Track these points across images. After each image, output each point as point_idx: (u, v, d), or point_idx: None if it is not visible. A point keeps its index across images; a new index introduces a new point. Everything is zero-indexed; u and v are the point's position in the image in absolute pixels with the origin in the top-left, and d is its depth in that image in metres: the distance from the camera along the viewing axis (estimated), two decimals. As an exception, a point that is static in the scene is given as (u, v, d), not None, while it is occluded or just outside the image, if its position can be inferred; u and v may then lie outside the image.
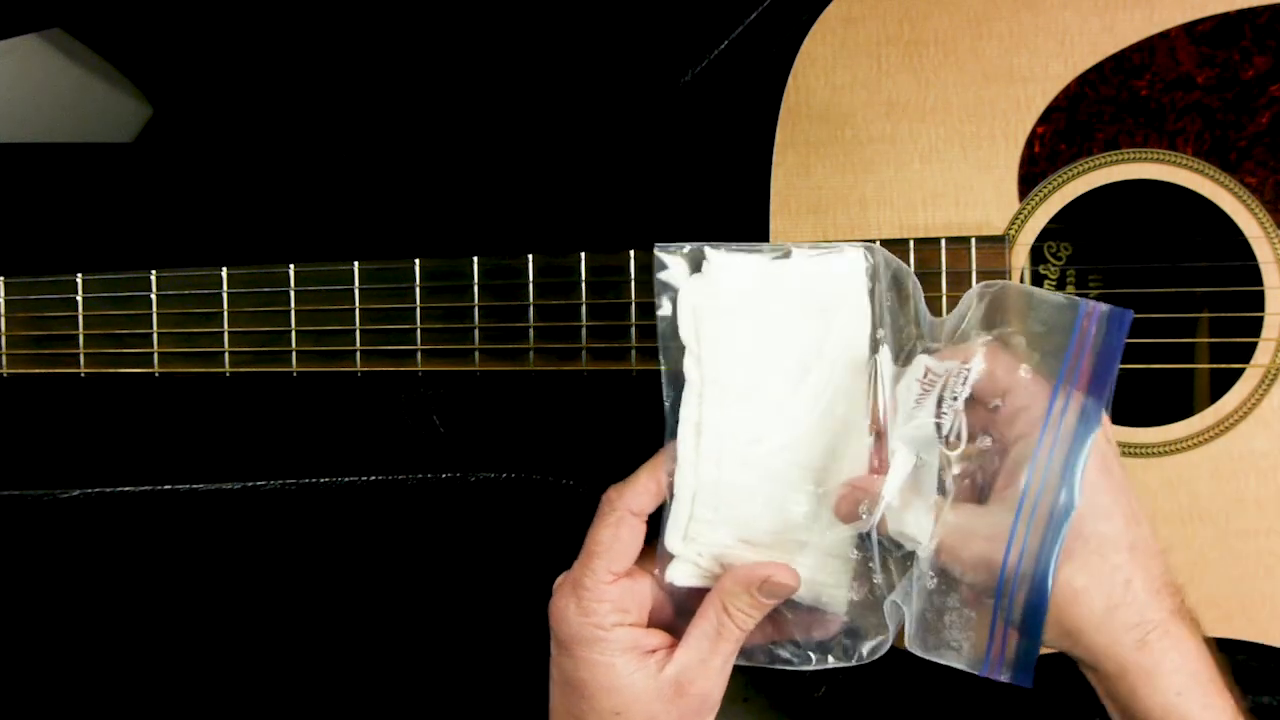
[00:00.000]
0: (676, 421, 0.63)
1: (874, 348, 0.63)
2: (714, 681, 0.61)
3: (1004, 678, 0.62)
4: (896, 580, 0.62)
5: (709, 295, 0.63)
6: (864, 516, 0.60)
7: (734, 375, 0.63)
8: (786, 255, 0.64)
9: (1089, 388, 0.60)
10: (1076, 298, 0.61)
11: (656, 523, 0.63)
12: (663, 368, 0.64)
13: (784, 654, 0.64)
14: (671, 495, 0.63)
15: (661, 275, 0.64)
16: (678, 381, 0.64)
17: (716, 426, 0.63)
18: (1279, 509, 0.70)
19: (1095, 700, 0.66)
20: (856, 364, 0.63)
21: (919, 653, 0.63)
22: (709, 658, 0.61)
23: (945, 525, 0.60)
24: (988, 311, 0.63)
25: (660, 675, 0.61)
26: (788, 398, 0.63)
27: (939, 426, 0.61)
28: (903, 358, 0.64)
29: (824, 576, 0.63)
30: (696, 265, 0.64)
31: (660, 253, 0.64)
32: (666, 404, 0.63)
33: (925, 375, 0.62)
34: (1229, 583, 0.70)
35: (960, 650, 0.62)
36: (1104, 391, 0.60)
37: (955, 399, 0.61)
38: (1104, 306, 0.61)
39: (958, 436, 0.61)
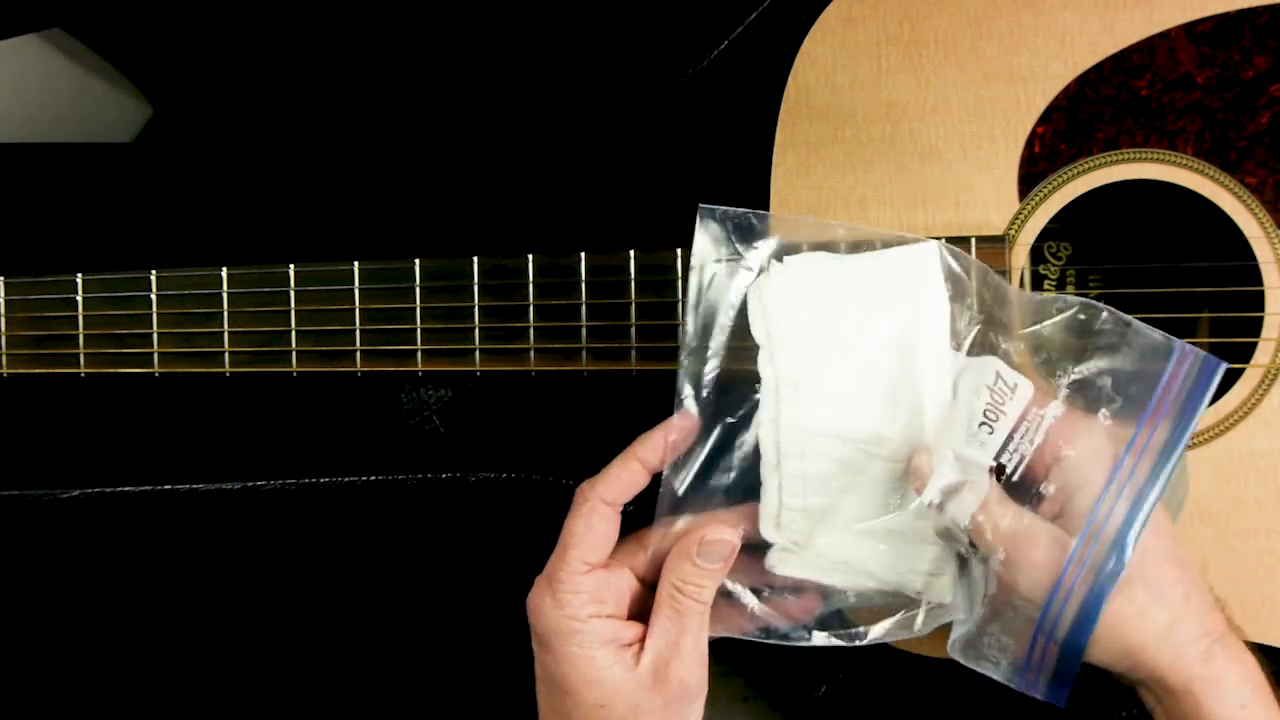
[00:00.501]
0: (689, 390, 0.64)
1: (952, 339, 0.64)
2: (690, 663, 0.61)
3: (1039, 694, 0.62)
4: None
5: (780, 293, 0.64)
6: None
7: (810, 371, 0.63)
8: (856, 247, 0.64)
9: (1167, 437, 0.60)
10: (1172, 339, 0.61)
11: (632, 516, 0.64)
12: (689, 327, 0.64)
13: (781, 628, 0.65)
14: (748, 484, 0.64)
15: (699, 243, 0.64)
16: (698, 349, 0.64)
17: (795, 422, 0.63)
18: (1279, 509, 0.70)
19: (1100, 702, 0.67)
20: (932, 355, 0.64)
21: (959, 658, 0.64)
22: (678, 639, 0.61)
23: (1013, 527, 0.60)
24: (1076, 329, 0.63)
25: (639, 666, 0.61)
26: (864, 390, 0.64)
27: (998, 468, 0.62)
28: (970, 346, 0.64)
29: (906, 562, 0.63)
30: (742, 233, 0.65)
31: (705, 218, 0.64)
32: (683, 362, 0.64)
33: (995, 382, 0.62)
34: (1229, 583, 0.70)
35: (998, 664, 0.63)
36: (1181, 441, 0.60)
37: (1027, 442, 0.62)
38: (1199, 353, 0.61)
39: (1015, 477, 0.62)
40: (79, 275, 0.79)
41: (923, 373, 0.63)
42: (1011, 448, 0.62)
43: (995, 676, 0.64)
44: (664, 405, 0.66)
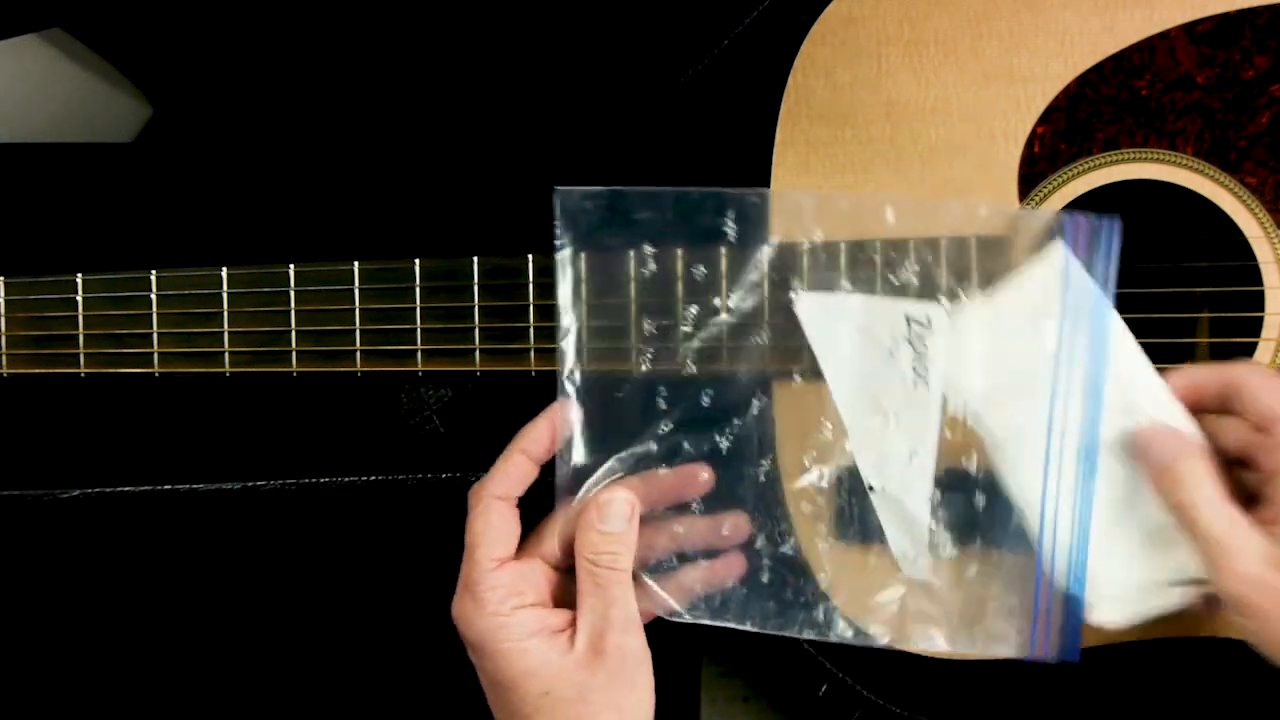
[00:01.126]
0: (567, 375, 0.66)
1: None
2: (623, 631, 0.62)
3: (1051, 657, 0.63)
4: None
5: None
6: None
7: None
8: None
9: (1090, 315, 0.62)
10: (1061, 212, 0.63)
11: (529, 506, 0.66)
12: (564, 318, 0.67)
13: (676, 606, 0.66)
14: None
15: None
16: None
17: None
18: (1279, 509, 0.70)
19: (1100, 699, 0.67)
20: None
21: (965, 649, 0.65)
22: (605, 611, 0.62)
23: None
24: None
25: (574, 648, 0.61)
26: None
27: (952, 425, 0.63)
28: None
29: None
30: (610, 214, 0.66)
31: None
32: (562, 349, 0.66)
33: (910, 329, 0.64)
34: (1229, 583, 0.70)
35: (1007, 639, 0.64)
36: (1106, 310, 0.62)
37: None
38: (1090, 217, 0.63)
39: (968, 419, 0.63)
40: (79, 275, 0.79)
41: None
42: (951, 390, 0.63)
43: (1007, 653, 0.64)
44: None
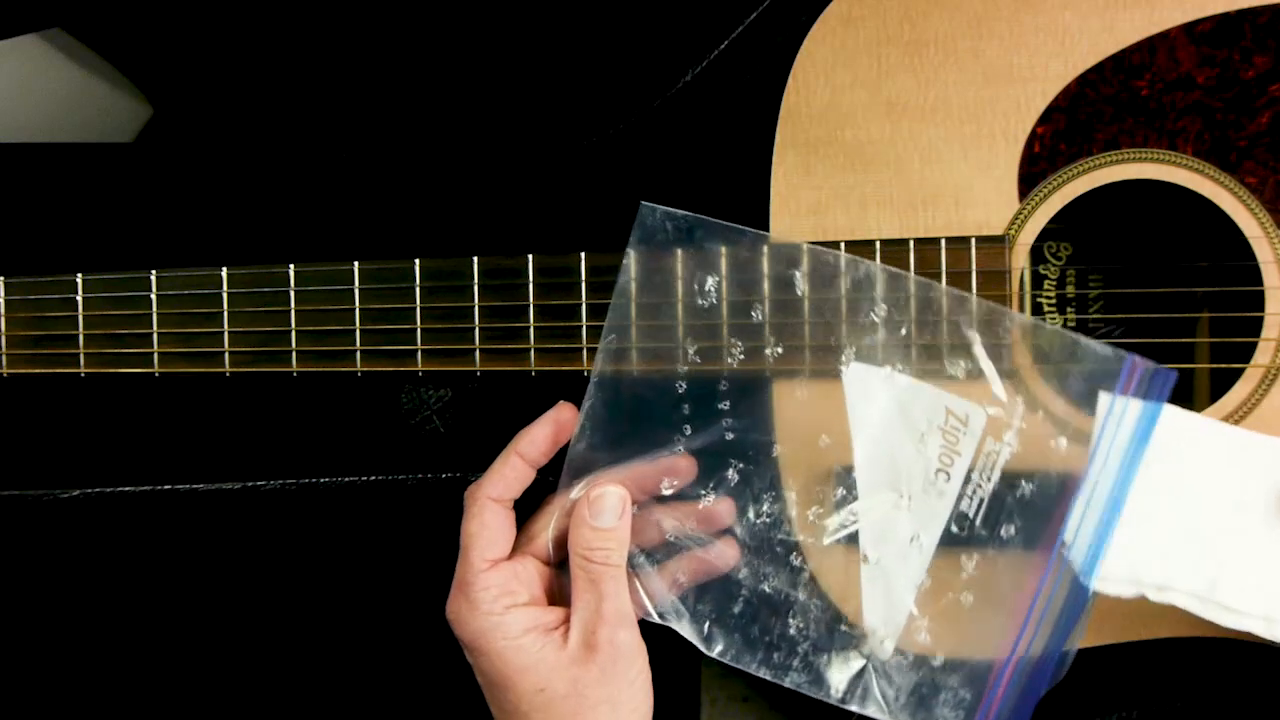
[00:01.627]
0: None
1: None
2: (616, 626, 0.62)
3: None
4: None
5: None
6: None
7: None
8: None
9: (1124, 455, 0.60)
10: (1121, 351, 0.60)
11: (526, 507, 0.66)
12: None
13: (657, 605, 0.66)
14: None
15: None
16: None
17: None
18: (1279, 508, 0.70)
19: (1100, 699, 0.66)
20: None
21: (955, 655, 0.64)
22: (598, 606, 0.62)
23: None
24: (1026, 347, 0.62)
25: (568, 644, 0.62)
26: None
27: (960, 520, 0.62)
28: (906, 368, 0.64)
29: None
30: (679, 235, 0.67)
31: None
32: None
33: (947, 420, 0.62)
34: (1229, 583, 0.70)
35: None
36: (1138, 459, 0.60)
37: (984, 479, 0.61)
38: (1149, 364, 0.60)
39: (979, 521, 0.62)
40: (79, 275, 0.79)
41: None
42: (970, 490, 0.63)
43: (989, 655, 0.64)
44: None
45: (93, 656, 0.91)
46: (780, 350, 0.69)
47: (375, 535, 0.89)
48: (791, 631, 0.66)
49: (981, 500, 0.63)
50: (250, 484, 0.86)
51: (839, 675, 0.65)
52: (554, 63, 0.90)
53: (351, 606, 0.91)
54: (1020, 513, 0.64)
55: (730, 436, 0.68)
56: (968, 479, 0.63)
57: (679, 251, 0.69)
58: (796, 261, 0.68)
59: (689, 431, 0.68)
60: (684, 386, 0.69)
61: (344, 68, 0.94)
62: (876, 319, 0.66)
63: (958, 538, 0.65)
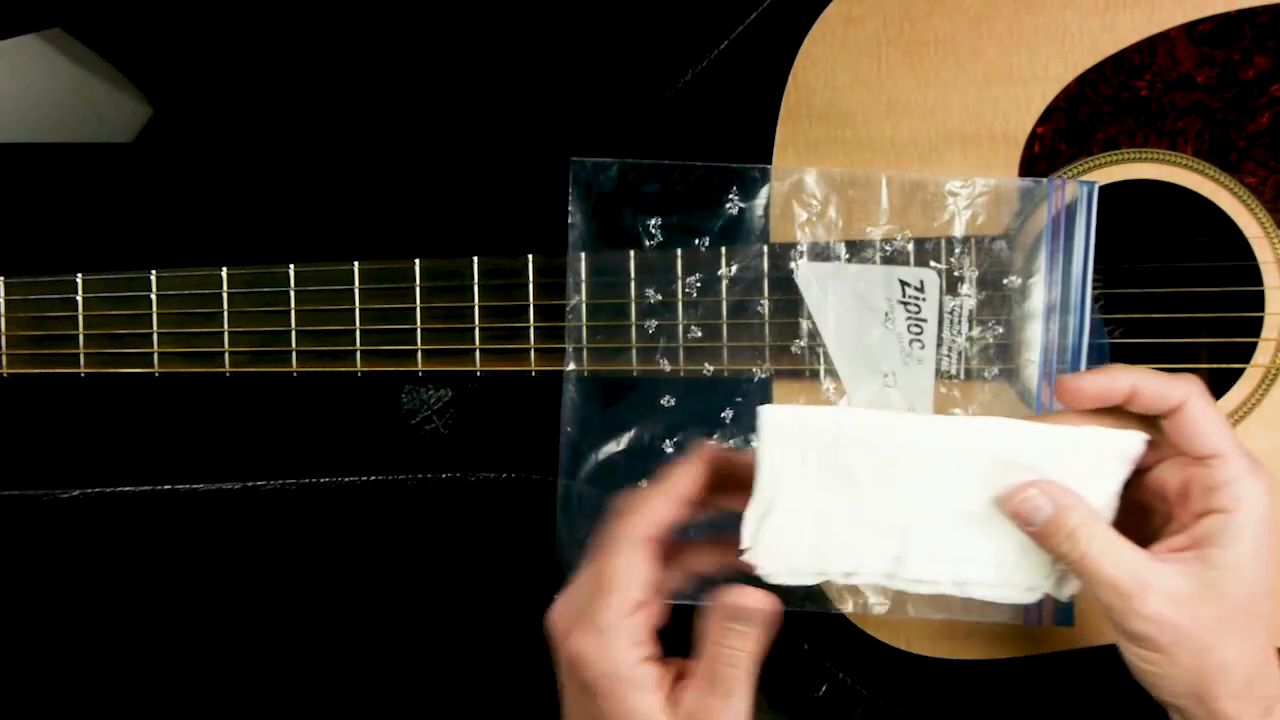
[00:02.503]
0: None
1: None
2: (732, 715, 0.60)
3: (1047, 622, 0.66)
4: None
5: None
6: None
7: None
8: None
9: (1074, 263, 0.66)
10: (1040, 178, 0.67)
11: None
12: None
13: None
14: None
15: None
16: None
17: None
18: (1279, 509, 0.70)
19: (1100, 700, 0.66)
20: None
21: (961, 616, 0.67)
22: (708, 700, 0.60)
23: None
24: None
25: (678, 710, 0.60)
26: None
27: (945, 379, 0.66)
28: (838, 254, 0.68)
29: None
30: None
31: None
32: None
33: (904, 291, 0.68)
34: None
35: (1001, 605, 0.64)
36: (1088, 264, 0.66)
37: (955, 333, 0.67)
38: (1071, 181, 0.67)
39: (961, 377, 0.66)
40: (79, 275, 0.79)
41: None
42: (945, 350, 0.67)
43: (1002, 618, 0.66)
44: (660, 406, 0.66)
45: (93, 656, 0.91)
46: (732, 272, 0.70)
47: (375, 535, 0.89)
48: None
49: (960, 353, 0.67)
50: (250, 484, 0.86)
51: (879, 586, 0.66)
52: (554, 62, 0.90)
53: (351, 606, 0.91)
54: (998, 353, 0.68)
55: (709, 395, 0.71)
56: (940, 339, 0.68)
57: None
58: (727, 184, 0.71)
59: (669, 403, 0.70)
60: (648, 359, 0.70)
61: (344, 68, 0.94)
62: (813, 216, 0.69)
63: (949, 396, 0.69)
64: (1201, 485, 0.59)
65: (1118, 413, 0.62)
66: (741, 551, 0.61)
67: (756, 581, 0.62)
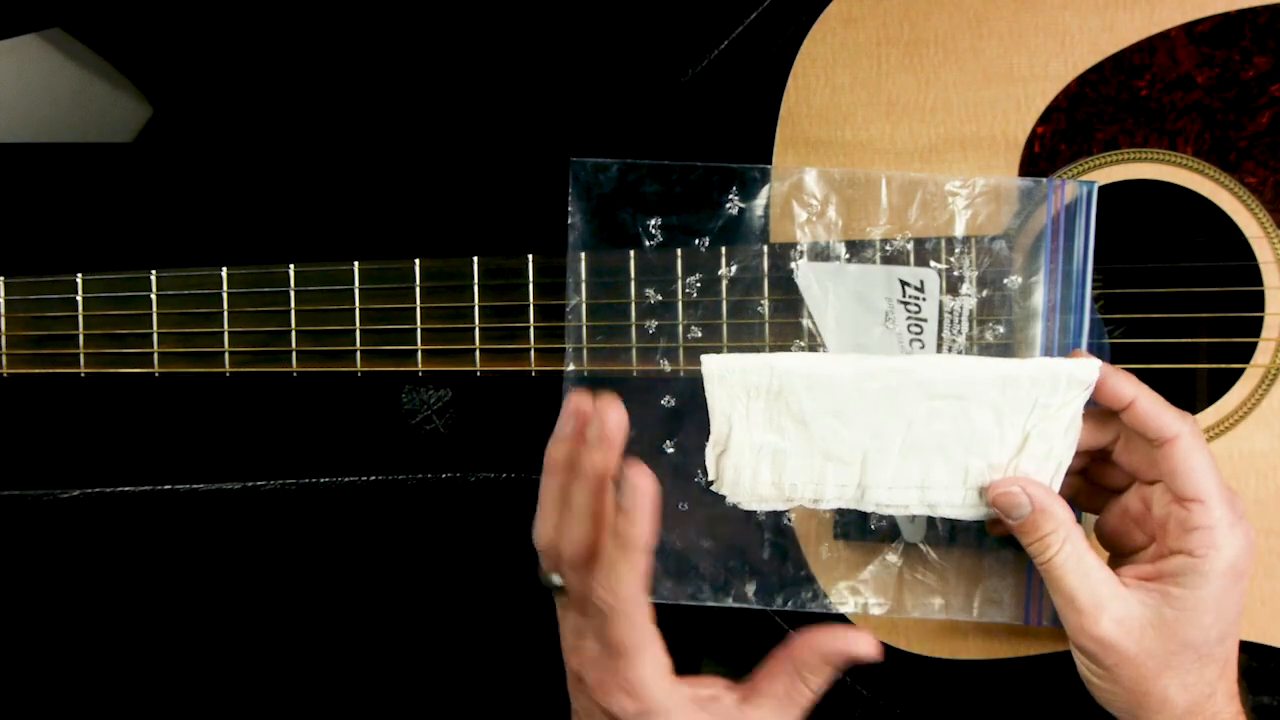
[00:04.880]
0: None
1: None
2: None
3: (1047, 622, 0.67)
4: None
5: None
6: None
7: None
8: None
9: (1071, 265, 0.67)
10: (1040, 178, 0.67)
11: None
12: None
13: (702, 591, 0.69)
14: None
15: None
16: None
17: None
18: (1279, 509, 0.70)
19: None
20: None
21: (961, 615, 0.68)
22: (779, 715, 0.61)
23: None
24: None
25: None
26: None
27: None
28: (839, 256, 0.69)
29: None
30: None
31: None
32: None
33: (904, 291, 0.68)
34: (1229, 583, 0.70)
35: (1003, 604, 0.68)
36: (1087, 260, 0.66)
37: (955, 333, 0.68)
38: (1071, 181, 0.67)
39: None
40: (79, 275, 0.79)
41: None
42: (945, 350, 0.68)
43: (1003, 618, 0.67)
44: (660, 406, 0.66)
45: (93, 656, 0.91)
46: (732, 273, 0.71)
47: (375, 535, 0.89)
48: (823, 556, 0.71)
49: (960, 353, 0.68)
50: (250, 484, 0.86)
51: (879, 585, 0.70)
52: (554, 62, 0.90)
53: (352, 606, 0.91)
54: (998, 353, 0.68)
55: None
56: (940, 339, 0.68)
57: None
58: (727, 184, 0.70)
59: (670, 402, 0.71)
60: (649, 359, 0.71)
61: (344, 68, 0.94)
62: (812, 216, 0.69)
63: None
64: (1178, 524, 0.60)
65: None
66: (709, 484, 0.66)
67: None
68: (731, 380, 0.64)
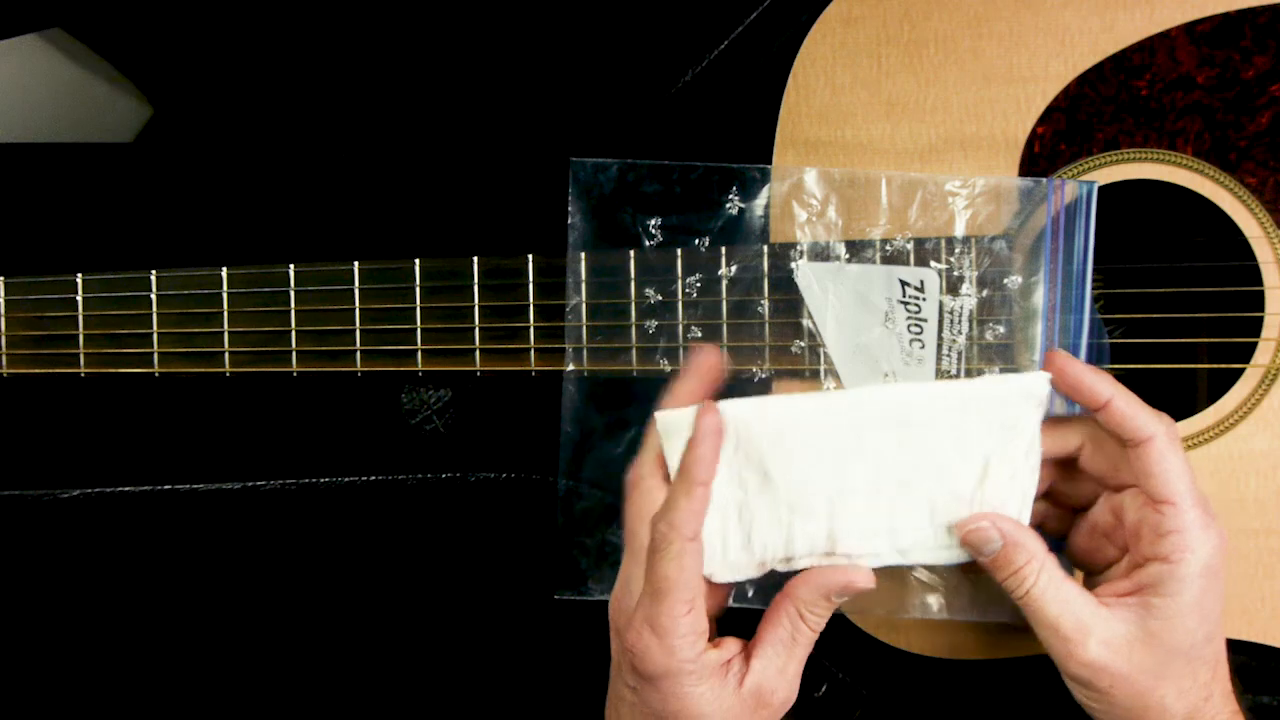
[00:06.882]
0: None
1: None
2: (791, 686, 0.62)
3: None
4: None
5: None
6: None
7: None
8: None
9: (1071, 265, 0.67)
10: (1040, 178, 0.67)
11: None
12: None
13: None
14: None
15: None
16: None
17: None
18: (1279, 509, 0.70)
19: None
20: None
21: (962, 615, 0.67)
22: (785, 664, 0.62)
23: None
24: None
25: (741, 690, 0.61)
26: None
27: (946, 378, 0.67)
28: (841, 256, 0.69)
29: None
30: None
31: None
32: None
33: (904, 291, 0.67)
34: (1229, 583, 0.70)
35: (1003, 604, 0.66)
36: (1086, 260, 0.66)
37: (955, 333, 0.68)
38: (1070, 181, 0.67)
39: (960, 375, 0.67)
40: (79, 275, 0.79)
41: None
42: (946, 349, 0.67)
43: (1003, 618, 0.67)
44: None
45: (93, 656, 0.91)
46: (732, 272, 0.71)
47: (375, 535, 0.89)
48: None
49: (960, 353, 0.68)
50: (250, 484, 0.86)
51: (879, 587, 0.67)
52: (554, 63, 0.90)
53: (352, 606, 0.91)
54: (999, 353, 0.68)
55: None
56: (940, 339, 0.68)
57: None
58: (727, 183, 0.70)
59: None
60: (648, 358, 0.70)
61: (344, 68, 0.94)
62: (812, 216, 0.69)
63: None
64: (1151, 529, 0.60)
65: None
66: None
67: None
68: (686, 435, 0.61)
